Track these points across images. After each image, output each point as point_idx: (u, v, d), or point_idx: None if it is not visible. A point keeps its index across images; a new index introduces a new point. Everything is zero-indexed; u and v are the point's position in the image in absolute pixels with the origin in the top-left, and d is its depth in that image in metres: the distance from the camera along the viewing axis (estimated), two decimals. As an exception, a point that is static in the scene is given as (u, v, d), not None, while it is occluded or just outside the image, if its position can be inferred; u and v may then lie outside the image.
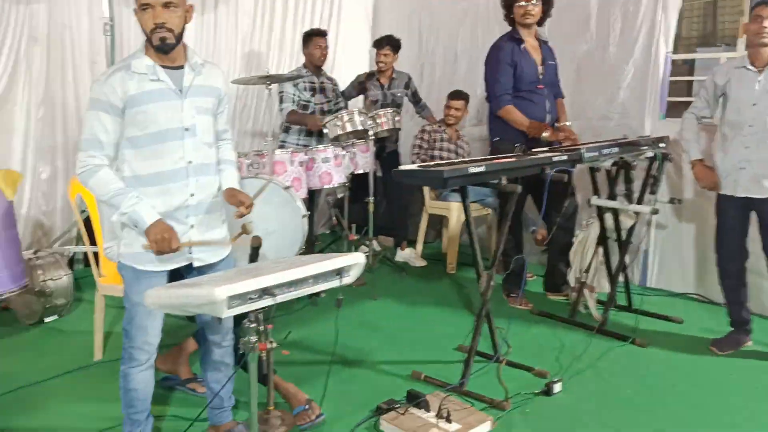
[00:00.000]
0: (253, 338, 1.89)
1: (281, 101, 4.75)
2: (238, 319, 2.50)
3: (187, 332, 3.23)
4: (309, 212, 3.76)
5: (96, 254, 3.28)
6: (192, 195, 2.26)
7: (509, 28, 4.13)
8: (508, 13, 4.10)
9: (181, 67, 2.24)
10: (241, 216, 2.34)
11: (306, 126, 4.72)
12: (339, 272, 1.89)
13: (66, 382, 3.06)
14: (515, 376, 3.13)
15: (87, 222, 3.39)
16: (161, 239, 2.11)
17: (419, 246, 5.33)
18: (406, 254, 5.22)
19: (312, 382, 2.96)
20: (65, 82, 4.49)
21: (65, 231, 4.57)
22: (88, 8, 4.50)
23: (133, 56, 2.22)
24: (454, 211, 4.99)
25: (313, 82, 4.84)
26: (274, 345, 2.09)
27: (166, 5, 2.11)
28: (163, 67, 2.21)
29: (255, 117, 5.56)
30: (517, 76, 4.03)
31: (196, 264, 2.29)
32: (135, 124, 2.17)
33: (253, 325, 1.89)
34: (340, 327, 3.49)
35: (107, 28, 4.55)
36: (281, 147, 4.63)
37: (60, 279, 3.79)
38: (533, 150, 3.51)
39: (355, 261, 1.91)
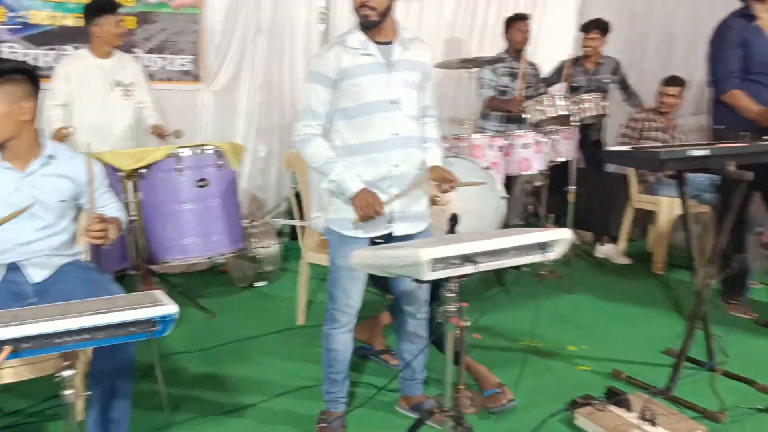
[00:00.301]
0: (451, 307, 1.86)
1: (480, 87, 4.71)
2: (433, 293, 2.51)
3: (383, 306, 3.32)
4: (508, 195, 3.67)
5: (303, 227, 3.49)
6: (396, 166, 2.30)
7: (737, 6, 3.68)
8: (741, -13, 3.66)
9: (391, 42, 2.29)
10: (445, 192, 2.35)
11: (507, 110, 4.62)
12: (543, 246, 1.79)
13: (272, 341, 3.30)
14: (732, 388, 2.79)
15: (296, 197, 3.62)
16: (365, 204, 2.18)
17: (622, 242, 4.97)
18: (607, 250, 4.91)
19: (503, 368, 2.88)
20: (283, 69, 4.87)
21: (276, 205, 4.96)
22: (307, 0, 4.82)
23: (348, 32, 2.31)
24: (663, 206, 4.59)
25: (513, 68, 4.73)
26: (468, 323, 2.05)
27: None
28: (375, 42, 2.27)
29: (454, 103, 5.57)
30: (747, 57, 3.58)
31: (396, 233, 2.33)
32: (347, 96, 2.26)
33: (451, 295, 1.86)
34: (534, 317, 3.37)
35: (323, 17, 4.84)
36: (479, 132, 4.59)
37: (270, 247, 4.10)
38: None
39: (561, 236, 1.80)
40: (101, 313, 1.41)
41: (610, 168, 5.27)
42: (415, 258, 1.58)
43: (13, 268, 2.16)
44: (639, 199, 4.82)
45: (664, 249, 4.59)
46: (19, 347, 1.34)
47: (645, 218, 5.23)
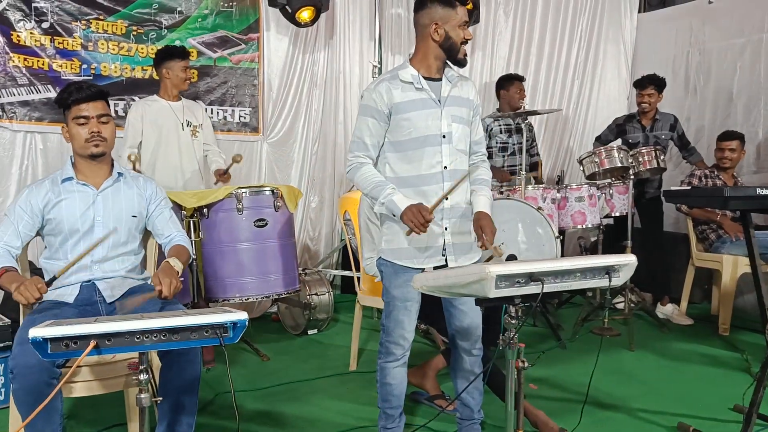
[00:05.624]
0: (512, 333, 1.82)
1: None
2: (487, 337, 2.47)
3: (436, 352, 3.28)
4: (561, 236, 3.62)
5: (358, 276, 3.51)
6: (446, 199, 2.31)
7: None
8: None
9: (440, 79, 2.35)
10: (483, 248, 2.32)
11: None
12: (608, 271, 1.76)
13: (326, 384, 3.29)
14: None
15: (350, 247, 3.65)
16: (412, 216, 2.18)
17: (683, 303, 4.79)
18: (668, 310, 4.75)
19: (562, 417, 2.77)
20: (337, 122, 5.03)
21: (328, 255, 5.01)
22: (360, 55, 5.02)
23: (400, 67, 2.37)
24: (727, 264, 4.41)
25: (509, 124, 4.74)
26: (527, 365, 2.00)
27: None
28: (425, 78, 2.33)
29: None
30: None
31: (450, 264, 2.32)
32: (398, 129, 2.31)
33: (513, 322, 1.83)
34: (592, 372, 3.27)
35: (375, 71, 4.99)
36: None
37: (323, 295, 4.12)
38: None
39: (627, 261, 1.77)
40: (178, 316, 1.46)
41: (669, 227, 5.17)
42: (481, 274, 1.57)
43: (89, 287, 2.24)
44: (700, 258, 4.67)
45: (728, 309, 4.38)
46: (102, 344, 1.38)
47: (707, 280, 5.07)
